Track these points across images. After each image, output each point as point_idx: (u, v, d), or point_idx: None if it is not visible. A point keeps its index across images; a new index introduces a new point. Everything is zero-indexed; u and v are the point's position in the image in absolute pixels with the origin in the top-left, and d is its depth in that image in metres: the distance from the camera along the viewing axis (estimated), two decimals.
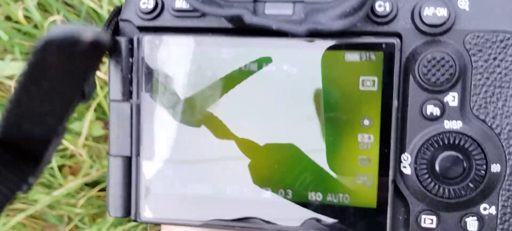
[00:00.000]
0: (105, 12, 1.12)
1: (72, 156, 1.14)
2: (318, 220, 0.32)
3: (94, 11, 1.14)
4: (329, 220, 0.32)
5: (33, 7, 1.11)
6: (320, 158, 0.32)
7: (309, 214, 0.32)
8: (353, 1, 0.29)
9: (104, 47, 0.20)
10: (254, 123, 0.33)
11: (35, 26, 1.14)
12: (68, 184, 1.10)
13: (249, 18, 0.30)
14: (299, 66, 0.32)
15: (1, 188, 0.23)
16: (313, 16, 0.30)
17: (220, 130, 0.33)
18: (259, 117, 0.33)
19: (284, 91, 0.32)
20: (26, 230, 1.13)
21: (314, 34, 0.30)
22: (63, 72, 0.21)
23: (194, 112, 0.33)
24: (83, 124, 1.09)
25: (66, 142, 1.09)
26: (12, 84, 1.08)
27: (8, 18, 1.15)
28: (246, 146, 0.33)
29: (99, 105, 1.11)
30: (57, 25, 0.22)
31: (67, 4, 1.19)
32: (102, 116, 1.14)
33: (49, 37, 0.19)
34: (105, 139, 1.18)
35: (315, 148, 0.32)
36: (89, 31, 0.19)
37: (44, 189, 1.11)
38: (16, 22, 1.13)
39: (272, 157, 0.33)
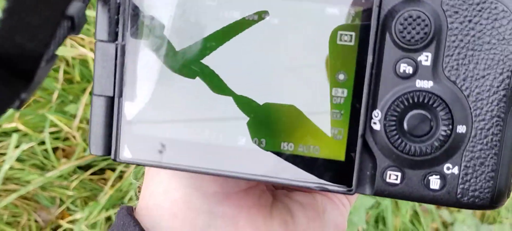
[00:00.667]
0: None
1: (66, 138, 1.15)
2: (289, 169, 0.33)
3: None
4: (299, 170, 0.33)
5: None
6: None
7: (281, 162, 0.33)
8: None
9: None
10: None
11: None
12: (61, 166, 1.11)
13: None
14: (282, 17, 0.33)
15: None
16: None
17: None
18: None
19: (272, 44, 0.33)
20: (18, 211, 1.14)
21: None
22: None
23: (183, 61, 0.34)
24: (78, 106, 1.10)
25: (60, 124, 1.10)
26: None
27: None
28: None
29: None
30: None
31: None
32: None
33: None
34: None
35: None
36: None
37: (37, 171, 1.12)
38: None
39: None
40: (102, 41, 0.35)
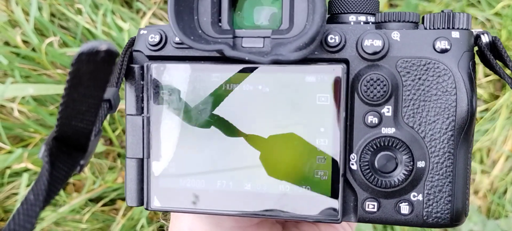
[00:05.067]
0: (99, 32, 1.23)
1: (74, 173, 1.24)
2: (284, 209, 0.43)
3: (89, 31, 1.26)
4: (297, 206, 0.43)
5: (30, 31, 1.22)
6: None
7: (282, 201, 0.43)
8: (305, 38, 0.40)
9: (115, 54, 0.31)
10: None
11: (33, 50, 1.25)
12: (72, 200, 1.21)
13: (228, 52, 0.41)
14: (271, 86, 0.43)
15: (63, 167, 0.34)
16: (277, 49, 0.41)
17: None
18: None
19: (260, 105, 0.43)
20: None
21: (276, 63, 0.40)
22: (91, 76, 0.31)
23: (198, 115, 0.44)
24: None
25: None
26: (14, 106, 1.19)
27: (7, 43, 1.26)
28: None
29: None
30: (85, 42, 0.32)
31: (62, 27, 1.31)
32: (103, 133, 1.24)
33: (80, 51, 0.30)
34: (106, 155, 1.29)
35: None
36: (104, 44, 0.30)
37: (50, 207, 1.21)
38: (15, 46, 1.24)
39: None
40: (131, 115, 0.45)
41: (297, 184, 0.43)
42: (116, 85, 0.41)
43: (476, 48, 0.44)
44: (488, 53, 0.43)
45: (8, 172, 1.20)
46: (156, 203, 0.46)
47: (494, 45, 0.43)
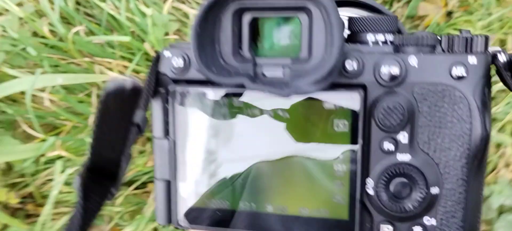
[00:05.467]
0: (123, 18, 1.25)
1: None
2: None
3: (113, 17, 1.27)
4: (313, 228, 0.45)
5: (56, 21, 1.25)
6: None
7: (300, 224, 0.46)
8: (323, 71, 0.41)
9: (139, 89, 0.33)
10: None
11: (61, 39, 1.28)
12: None
13: (248, 85, 0.42)
14: (289, 112, 0.45)
15: (95, 197, 0.37)
16: (296, 80, 0.42)
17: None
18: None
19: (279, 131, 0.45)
20: None
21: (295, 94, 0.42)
22: (119, 111, 0.34)
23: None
24: None
25: None
26: (44, 95, 1.23)
27: (35, 34, 1.29)
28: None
29: None
30: (111, 80, 0.34)
31: (87, 14, 1.33)
32: None
33: (106, 90, 0.32)
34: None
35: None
36: (129, 81, 0.32)
37: None
38: (43, 37, 1.27)
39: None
40: (158, 138, 0.48)
41: (315, 207, 0.45)
42: (144, 108, 0.43)
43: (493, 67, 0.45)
44: (505, 72, 0.43)
45: (42, 159, 1.25)
46: (184, 222, 0.49)
47: (511, 63, 0.44)
